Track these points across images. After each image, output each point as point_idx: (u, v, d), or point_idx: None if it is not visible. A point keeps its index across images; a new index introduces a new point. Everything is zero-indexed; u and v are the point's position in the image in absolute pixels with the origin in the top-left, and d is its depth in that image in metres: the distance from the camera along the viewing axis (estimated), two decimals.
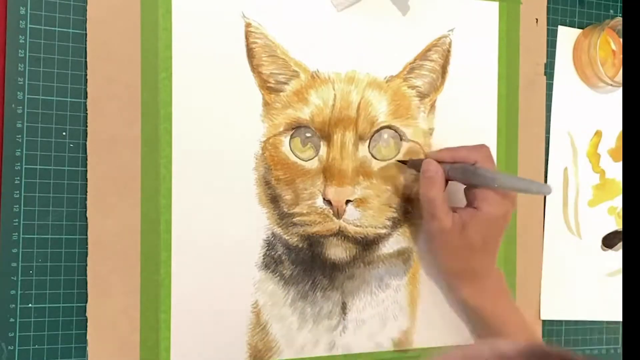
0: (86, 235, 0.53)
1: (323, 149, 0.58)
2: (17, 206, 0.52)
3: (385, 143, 0.60)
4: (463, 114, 0.63)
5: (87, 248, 0.53)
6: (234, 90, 0.56)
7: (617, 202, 0.70)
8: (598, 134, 0.70)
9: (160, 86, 0.54)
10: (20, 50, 0.52)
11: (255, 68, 0.57)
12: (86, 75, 0.53)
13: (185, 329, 0.55)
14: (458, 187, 0.57)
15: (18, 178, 0.52)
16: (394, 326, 0.61)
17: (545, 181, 0.67)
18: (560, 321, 0.68)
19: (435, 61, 0.62)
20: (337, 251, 0.59)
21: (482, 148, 0.56)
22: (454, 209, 0.55)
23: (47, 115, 0.52)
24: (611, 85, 0.67)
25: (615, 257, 0.70)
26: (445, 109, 0.62)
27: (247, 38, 0.57)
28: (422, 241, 0.61)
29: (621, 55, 0.68)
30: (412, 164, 0.59)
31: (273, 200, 0.57)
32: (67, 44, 0.53)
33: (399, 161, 0.60)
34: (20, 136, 0.52)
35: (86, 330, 0.53)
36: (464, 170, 0.55)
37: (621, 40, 0.68)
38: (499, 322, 0.56)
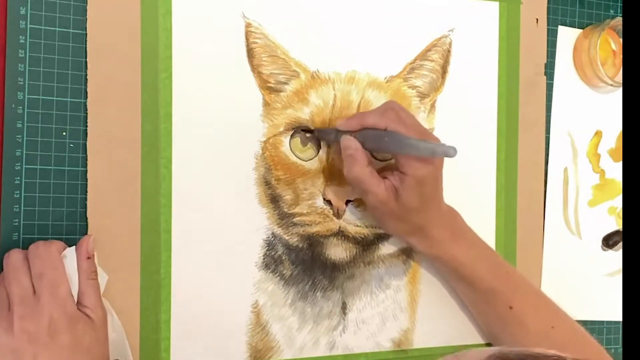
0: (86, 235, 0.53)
1: (323, 149, 0.58)
2: (17, 206, 0.52)
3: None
4: (463, 114, 0.63)
5: None
6: (234, 90, 0.56)
7: (617, 202, 0.70)
8: (598, 134, 0.70)
9: (160, 86, 0.54)
10: (20, 50, 0.52)
11: (255, 68, 0.57)
12: (86, 75, 0.53)
13: (185, 329, 0.55)
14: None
15: (18, 178, 0.52)
16: (394, 326, 0.61)
17: (546, 181, 0.67)
18: None
19: (436, 61, 0.62)
20: (337, 251, 0.59)
21: (389, 111, 0.54)
22: (385, 176, 0.54)
23: (47, 115, 0.52)
24: (611, 85, 0.67)
25: (615, 257, 0.70)
26: (445, 109, 0.62)
27: (247, 38, 0.57)
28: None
29: (621, 55, 0.68)
30: (320, 133, 0.58)
31: (273, 200, 0.57)
32: (67, 44, 0.53)
33: (302, 130, 0.58)
34: (20, 136, 0.52)
35: None
36: (371, 139, 0.53)
37: (621, 40, 0.68)
38: (460, 264, 0.57)
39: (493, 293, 0.58)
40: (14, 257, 0.47)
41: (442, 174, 0.55)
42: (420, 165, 0.52)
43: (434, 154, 0.51)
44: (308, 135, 0.58)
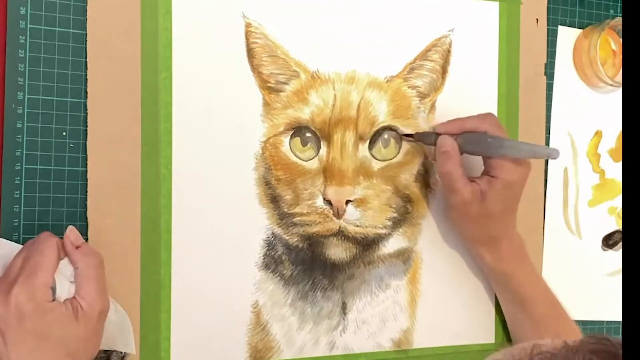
0: (86, 235, 0.53)
1: (323, 149, 0.58)
2: (17, 206, 0.52)
3: (386, 143, 0.60)
4: (463, 114, 0.63)
5: None
6: (234, 90, 0.56)
7: (617, 202, 0.70)
8: (598, 134, 0.70)
9: (160, 86, 0.54)
10: (20, 50, 0.52)
11: (255, 68, 0.57)
12: (86, 75, 0.53)
13: (185, 329, 0.55)
14: (476, 157, 0.58)
15: (18, 178, 0.52)
16: (394, 326, 0.61)
17: (546, 181, 0.67)
18: None
19: (436, 61, 0.62)
20: (337, 251, 0.59)
21: (489, 116, 0.57)
22: (472, 179, 0.56)
23: (47, 115, 0.52)
24: (611, 85, 0.67)
25: (615, 257, 0.70)
26: (445, 109, 0.62)
27: (247, 38, 0.57)
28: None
29: (621, 55, 0.68)
30: (420, 137, 0.59)
31: (273, 200, 0.57)
32: (67, 44, 0.53)
33: (404, 135, 0.60)
34: (20, 136, 0.52)
35: None
36: (472, 141, 0.56)
37: (621, 40, 0.68)
38: (521, 286, 0.59)
39: (545, 320, 0.59)
40: (38, 236, 0.48)
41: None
42: (512, 168, 0.55)
43: (535, 155, 0.54)
44: (308, 135, 0.58)
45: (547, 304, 0.59)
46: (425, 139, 0.59)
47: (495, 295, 0.64)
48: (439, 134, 0.57)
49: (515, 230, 0.59)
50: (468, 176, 0.56)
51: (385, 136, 0.60)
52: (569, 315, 0.61)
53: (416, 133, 0.60)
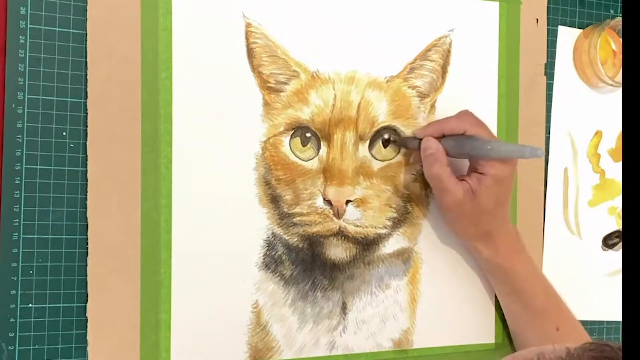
0: (86, 235, 0.53)
1: (323, 149, 0.58)
2: (17, 206, 0.52)
3: (386, 143, 0.60)
4: None
5: (87, 248, 0.53)
6: (234, 90, 0.56)
7: (617, 202, 0.70)
8: (598, 134, 0.70)
9: (160, 86, 0.54)
10: (20, 50, 0.52)
11: (255, 68, 0.57)
12: (86, 75, 0.53)
13: (185, 329, 0.55)
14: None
15: (18, 178, 0.52)
16: (394, 326, 0.61)
17: (546, 181, 0.67)
18: None
19: (436, 61, 0.62)
20: (337, 251, 0.59)
21: (466, 115, 0.57)
22: (461, 178, 0.56)
23: (47, 115, 0.52)
24: (611, 85, 0.67)
25: (615, 257, 0.70)
26: (445, 109, 0.62)
27: (247, 38, 0.57)
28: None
29: (621, 55, 0.68)
30: (402, 142, 0.60)
31: (273, 200, 0.57)
32: (67, 44, 0.53)
33: (388, 140, 0.59)
34: (20, 136, 0.52)
35: (86, 330, 0.53)
36: (456, 145, 0.56)
37: (621, 40, 0.68)
38: (518, 278, 0.59)
39: (543, 312, 0.59)
40: None
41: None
42: (500, 164, 0.55)
43: (523, 156, 0.54)
44: (308, 135, 0.58)
45: (545, 295, 0.59)
46: (407, 144, 0.59)
47: (496, 295, 0.64)
48: (421, 139, 0.57)
49: (510, 224, 0.59)
50: (456, 175, 0.56)
51: (385, 136, 0.60)
52: (567, 307, 0.61)
53: (399, 138, 0.60)
